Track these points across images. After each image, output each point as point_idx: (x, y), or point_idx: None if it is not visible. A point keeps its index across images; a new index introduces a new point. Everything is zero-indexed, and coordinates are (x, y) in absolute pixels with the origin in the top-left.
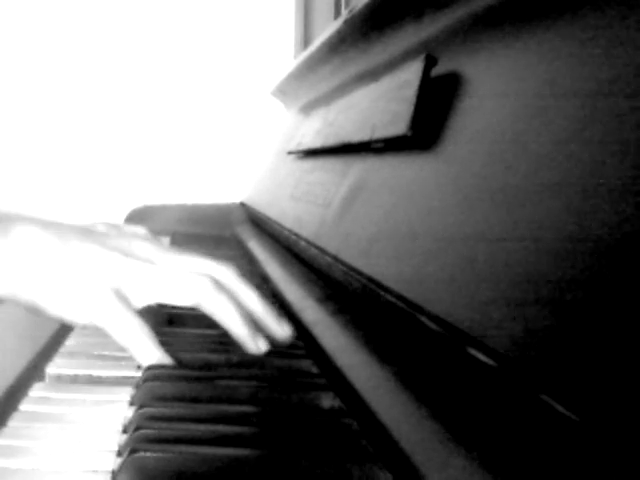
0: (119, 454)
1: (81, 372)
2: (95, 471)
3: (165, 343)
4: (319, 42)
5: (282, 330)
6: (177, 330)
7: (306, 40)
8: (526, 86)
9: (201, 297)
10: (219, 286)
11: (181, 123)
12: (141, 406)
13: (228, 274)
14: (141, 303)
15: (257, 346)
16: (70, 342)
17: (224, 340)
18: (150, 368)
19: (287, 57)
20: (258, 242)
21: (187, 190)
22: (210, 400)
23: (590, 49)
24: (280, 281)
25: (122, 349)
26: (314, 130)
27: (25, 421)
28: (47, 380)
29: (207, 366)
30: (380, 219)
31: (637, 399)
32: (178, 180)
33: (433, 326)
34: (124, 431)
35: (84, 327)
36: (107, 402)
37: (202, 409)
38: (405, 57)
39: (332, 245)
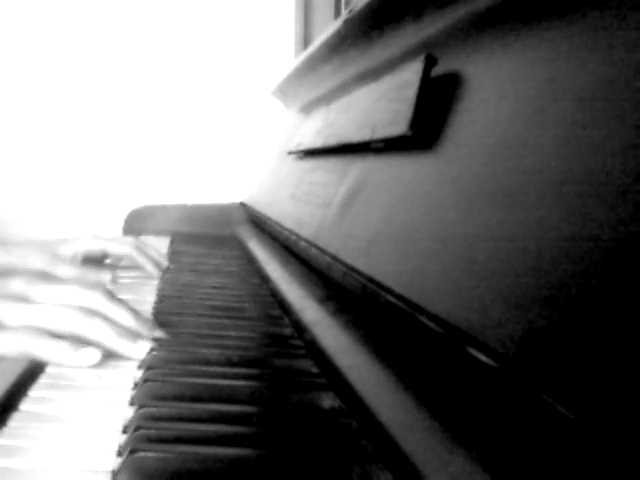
0: (119, 454)
1: (80, 371)
2: (95, 471)
3: (165, 341)
4: (319, 42)
5: (158, 334)
6: (176, 330)
7: (306, 40)
8: (526, 86)
9: (75, 326)
10: (89, 312)
11: (181, 123)
12: (141, 406)
13: (97, 298)
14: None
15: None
16: None
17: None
18: (150, 368)
19: (287, 57)
20: (258, 242)
21: (187, 190)
22: (210, 400)
23: (590, 49)
24: (280, 281)
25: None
26: (314, 130)
27: (25, 421)
28: (47, 379)
29: (207, 366)
30: (380, 219)
31: (636, 399)
32: (178, 180)
33: (433, 326)
34: (124, 431)
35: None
36: (107, 402)
37: (202, 409)
38: (405, 57)
39: (332, 245)
